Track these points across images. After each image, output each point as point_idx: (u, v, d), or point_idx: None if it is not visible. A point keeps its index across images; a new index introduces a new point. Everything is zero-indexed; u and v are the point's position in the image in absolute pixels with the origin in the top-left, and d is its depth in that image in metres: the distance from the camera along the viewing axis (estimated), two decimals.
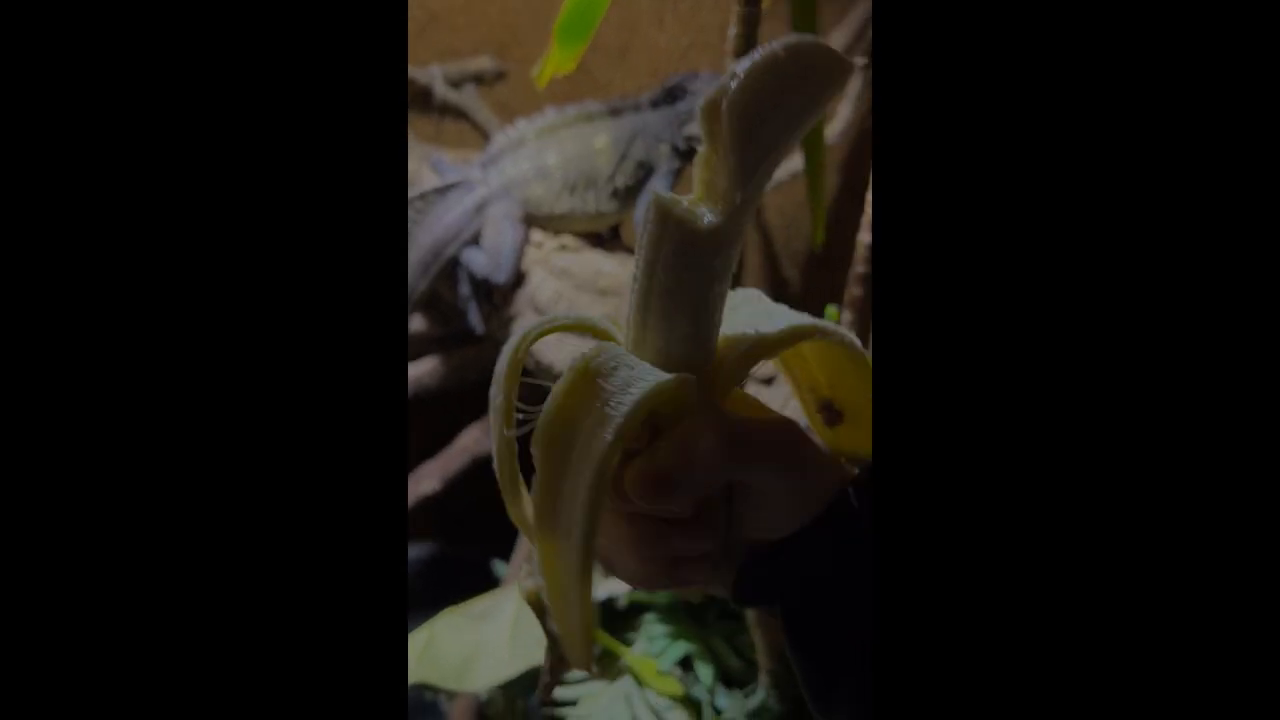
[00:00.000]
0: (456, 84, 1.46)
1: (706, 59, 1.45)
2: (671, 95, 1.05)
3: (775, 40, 0.28)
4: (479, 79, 1.46)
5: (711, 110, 0.27)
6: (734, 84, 0.27)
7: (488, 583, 1.36)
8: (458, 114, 1.48)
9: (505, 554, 1.36)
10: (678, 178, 1.08)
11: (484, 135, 1.49)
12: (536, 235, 1.14)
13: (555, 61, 0.79)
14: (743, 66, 0.27)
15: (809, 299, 1.73)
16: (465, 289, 1.16)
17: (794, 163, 1.38)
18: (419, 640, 1.06)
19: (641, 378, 0.29)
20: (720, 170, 0.28)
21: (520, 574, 1.27)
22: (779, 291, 1.74)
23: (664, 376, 0.30)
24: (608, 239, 1.17)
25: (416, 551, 1.65)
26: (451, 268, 1.15)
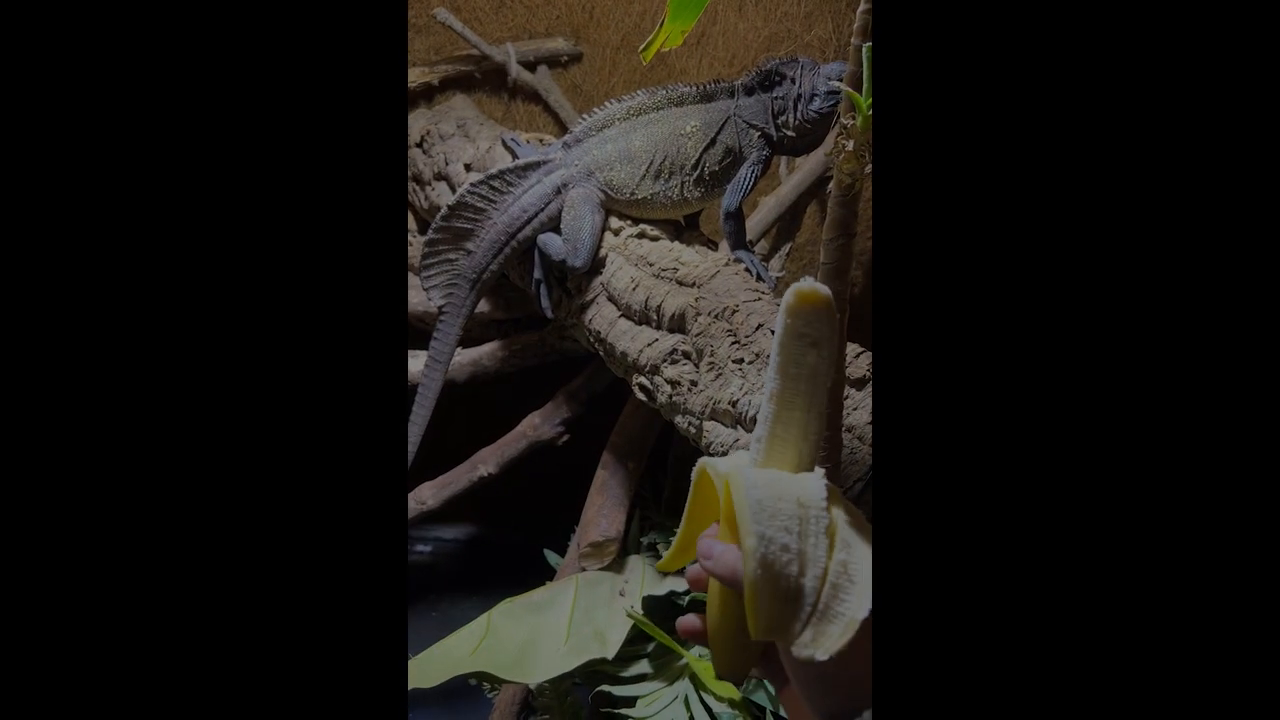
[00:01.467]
0: (531, 66, 1.43)
1: (787, 47, 1.41)
2: (768, 80, 1.01)
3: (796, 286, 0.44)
4: (553, 60, 1.44)
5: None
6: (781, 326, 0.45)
7: (537, 569, 1.34)
8: (529, 95, 1.46)
9: (556, 544, 1.34)
10: (767, 167, 1.04)
11: (555, 118, 1.47)
12: (614, 221, 1.11)
13: (665, 35, 0.76)
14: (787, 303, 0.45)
15: (869, 298, 1.69)
16: (538, 272, 1.13)
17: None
18: (477, 629, 1.04)
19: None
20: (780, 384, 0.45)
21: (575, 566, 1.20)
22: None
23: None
24: (685, 228, 1.14)
25: (466, 533, 1.64)
26: (525, 250, 1.12)
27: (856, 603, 0.39)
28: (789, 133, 1.02)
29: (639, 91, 1.05)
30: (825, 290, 0.40)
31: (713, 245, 1.13)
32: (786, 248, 1.36)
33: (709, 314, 0.98)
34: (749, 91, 1.02)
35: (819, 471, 0.43)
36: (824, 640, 0.39)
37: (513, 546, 1.57)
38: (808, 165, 1.30)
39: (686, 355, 0.98)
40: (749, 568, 0.40)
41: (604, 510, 1.19)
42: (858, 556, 0.41)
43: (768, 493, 0.41)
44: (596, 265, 1.09)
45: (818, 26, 1.39)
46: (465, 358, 1.38)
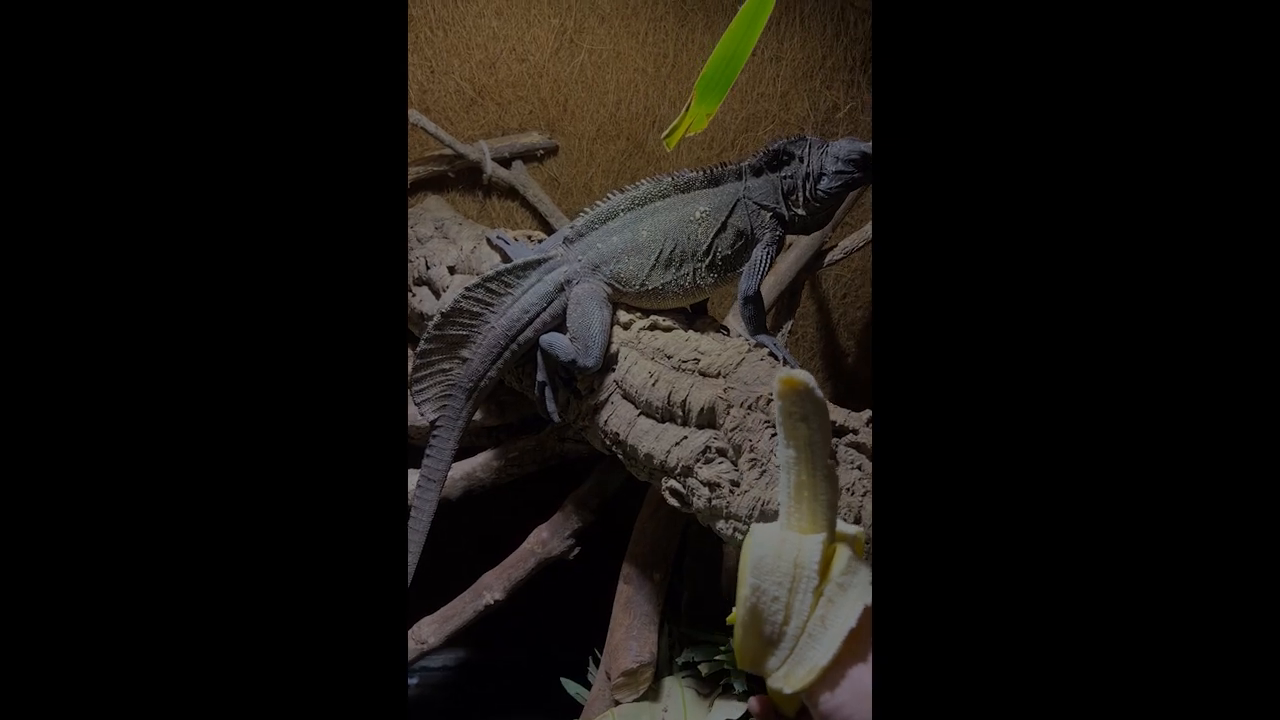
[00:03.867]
0: (506, 162, 1.39)
1: (765, 127, 1.41)
2: (775, 160, 0.98)
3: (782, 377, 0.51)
4: (529, 155, 1.40)
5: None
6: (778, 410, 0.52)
7: (553, 700, 1.20)
8: (506, 192, 1.41)
9: (573, 668, 1.21)
10: (780, 247, 1.00)
11: (534, 212, 1.42)
12: (621, 314, 1.05)
13: (690, 120, 0.72)
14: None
15: (864, 371, 1.65)
16: (542, 375, 1.05)
17: (867, 232, 1.33)
18: None
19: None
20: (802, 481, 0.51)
21: (606, 699, 1.07)
22: (837, 363, 1.66)
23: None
24: (695, 316, 1.08)
25: (458, 659, 1.47)
26: (525, 353, 1.04)
27: (823, 651, 0.46)
28: (799, 211, 0.99)
29: (642, 181, 1.01)
30: (803, 375, 0.49)
31: (725, 330, 1.07)
32: (788, 326, 1.32)
33: (741, 405, 0.90)
34: (757, 172, 0.99)
35: (821, 537, 0.49)
36: (793, 679, 0.46)
37: (520, 674, 1.42)
38: (803, 241, 1.27)
39: (722, 452, 0.90)
40: (741, 611, 0.48)
41: (633, 631, 1.07)
42: (835, 612, 0.47)
43: (769, 550, 0.48)
44: (608, 362, 1.02)
45: (795, 105, 1.39)
46: (458, 471, 1.26)
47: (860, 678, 0.45)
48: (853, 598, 0.47)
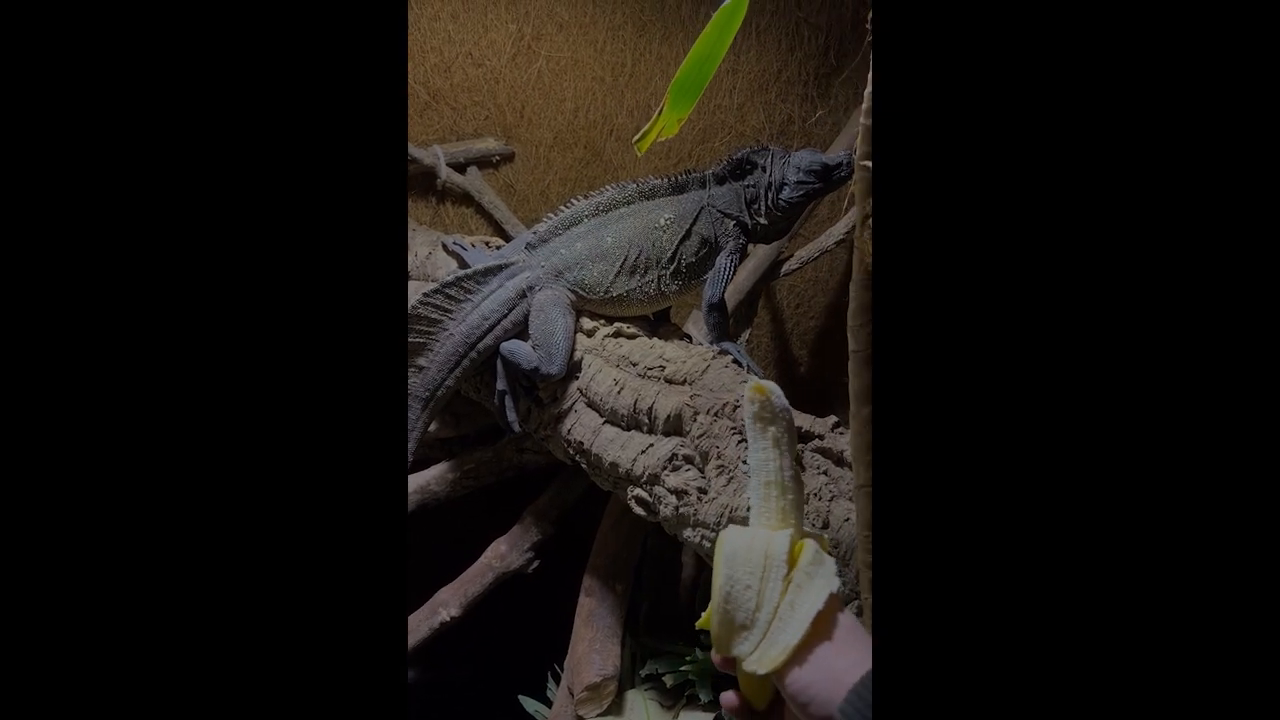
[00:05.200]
0: (460, 167, 1.36)
1: (722, 138, 1.43)
2: (739, 169, 0.99)
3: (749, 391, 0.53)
4: (484, 161, 1.38)
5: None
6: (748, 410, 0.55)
7: (511, 716, 1.16)
8: (460, 198, 1.38)
9: (531, 687, 1.18)
10: (744, 255, 1.01)
11: (489, 219, 1.39)
12: (585, 322, 1.04)
13: (662, 125, 0.72)
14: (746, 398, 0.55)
15: (817, 380, 1.68)
16: (502, 384, 1.02)
17: (822, 242, 1.35)
18: None
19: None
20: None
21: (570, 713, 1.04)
22: (790, 371, 1.68)
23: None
24: (658, 323, 1.07)
25: (431, 679, 1.42)
26: (484, 361, 1.01)
27: (793, 631, 0.49)
28: (761, 220, 0.99)
29: (607, 187, 1.00)
30: (770, 384, 0.53)
31: (687, 338, 1.07)
32: (746, 334, 1.33)
33: (708, 412, 0.90)
34: (720, 181, 0.99)
35: (788, 532, 0.53)
36: (766, 660, 0.49)
37: (477, 692, 1.37)
38: (761, 252, 1.29)
39: (689, 460, 0.90)
40: (716, 600, 0.51)
41: (596, 645, 1.05)
42: (803, 596, 0.50)
43: (741, 544, 0.52)
44: (571, 370, 1.00)
45: (750, 117, 1.41)
46: (411, 485, 1.23)
47: (827, 657, 0.48)
48: (819, 584, 0.51)
